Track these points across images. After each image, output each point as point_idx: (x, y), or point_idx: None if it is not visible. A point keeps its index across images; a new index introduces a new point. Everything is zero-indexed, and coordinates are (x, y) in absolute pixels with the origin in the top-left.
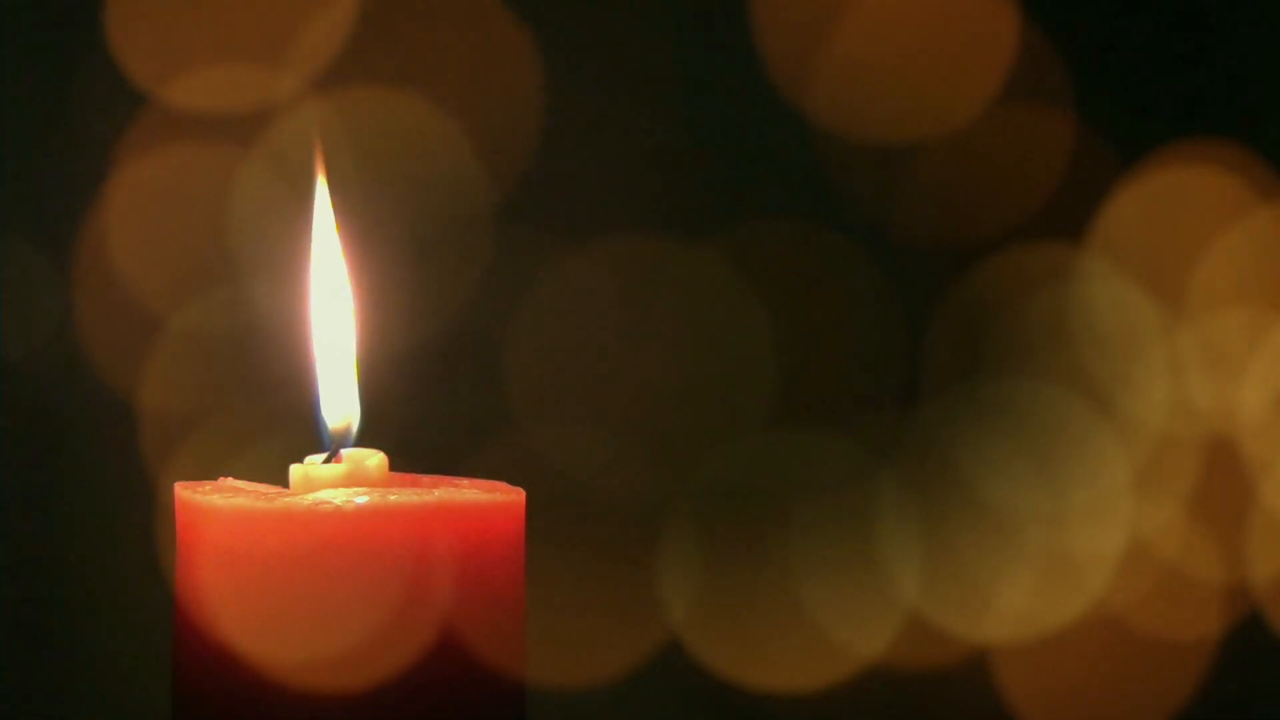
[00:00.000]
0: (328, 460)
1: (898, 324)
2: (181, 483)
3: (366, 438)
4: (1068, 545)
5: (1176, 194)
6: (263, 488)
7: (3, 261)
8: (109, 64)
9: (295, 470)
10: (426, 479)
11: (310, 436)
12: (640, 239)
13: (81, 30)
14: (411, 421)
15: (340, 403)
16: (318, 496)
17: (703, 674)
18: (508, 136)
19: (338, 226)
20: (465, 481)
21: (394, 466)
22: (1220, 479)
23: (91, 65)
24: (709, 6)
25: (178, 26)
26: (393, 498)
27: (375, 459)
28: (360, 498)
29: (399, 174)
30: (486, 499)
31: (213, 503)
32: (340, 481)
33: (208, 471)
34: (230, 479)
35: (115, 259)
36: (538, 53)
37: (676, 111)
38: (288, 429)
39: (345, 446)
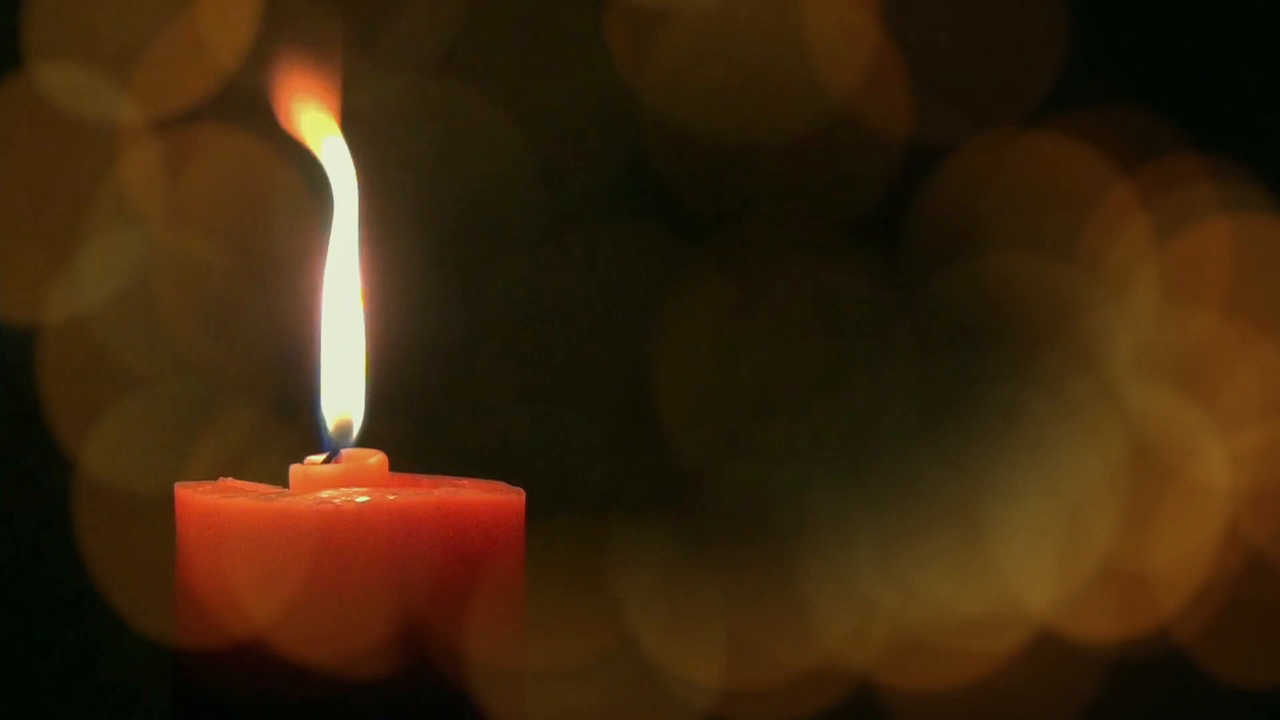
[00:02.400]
0: (328, 460)
1: (882, 327)
2: (181, 483)
3: (366, 438)
4: (1049, 554)
5: (1170, 206)
6: (263, 488)
7: (3, 259)
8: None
9: (295, 470)
10: (426, 479)
11: (310, 436)
12: (645, 238)
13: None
14: (412, 421)
15: (342, 402)
16: (318, 496)
17: (668, 674)
18: (512, 139)
19: (361, 228)
20: (465, 481)
21: (394, 466)
22: (1203, 487)
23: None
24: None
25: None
26: (392, 498)
27: (375, 459)
28: (360, 498)
29: (399, 172)
30: (486, 498)
31: (213, 502)
32: (340, 481)
33: (208, 472)
34: (230, 479)
35: (119, 259)
36: (542, 53)
37: (686, 109)
38: (288, 429)
39: (345, 446)
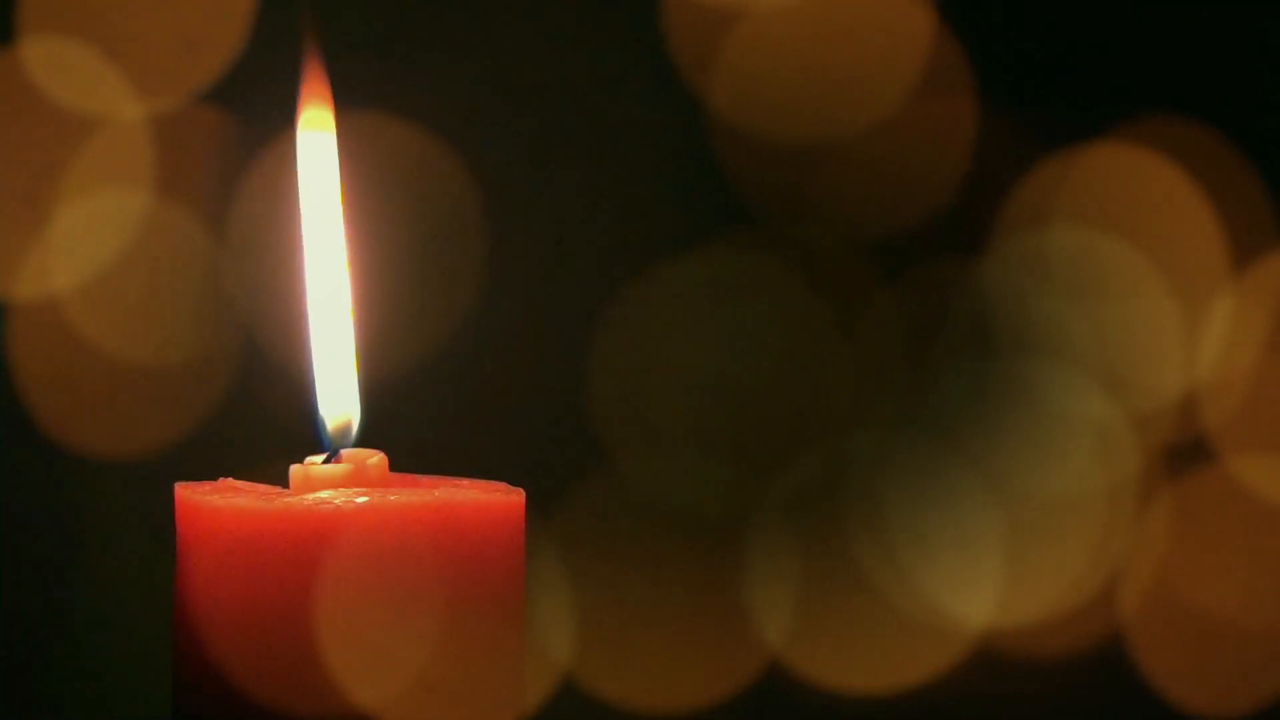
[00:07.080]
0: (328, 460)
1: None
2: (181, 483)
3: (366, 438)
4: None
5: (1176, 214)
6: (263, 488)
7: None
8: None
9: (295, 470)
10: (426, 479)
11: (310, 436)
12: (646, 238)
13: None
14: (412, 421)
15: (340, 402)
16: (318, 496)
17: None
18: (511, 139)
19: (346, 225)
20: (465, 481)
21: (394, 466)
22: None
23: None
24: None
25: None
26: (392, 498)
27: (375, 459)
28: (360, 498)
29: (400, 172)
30: (486, 499)
31: (213, 503)
32: (340, 481)
33: (208, 472)
34: (230, 479)
35: (116, 258)
36: (542, 55)
37: (688, 114)
38: (288, 429)
39: (345, 446)
